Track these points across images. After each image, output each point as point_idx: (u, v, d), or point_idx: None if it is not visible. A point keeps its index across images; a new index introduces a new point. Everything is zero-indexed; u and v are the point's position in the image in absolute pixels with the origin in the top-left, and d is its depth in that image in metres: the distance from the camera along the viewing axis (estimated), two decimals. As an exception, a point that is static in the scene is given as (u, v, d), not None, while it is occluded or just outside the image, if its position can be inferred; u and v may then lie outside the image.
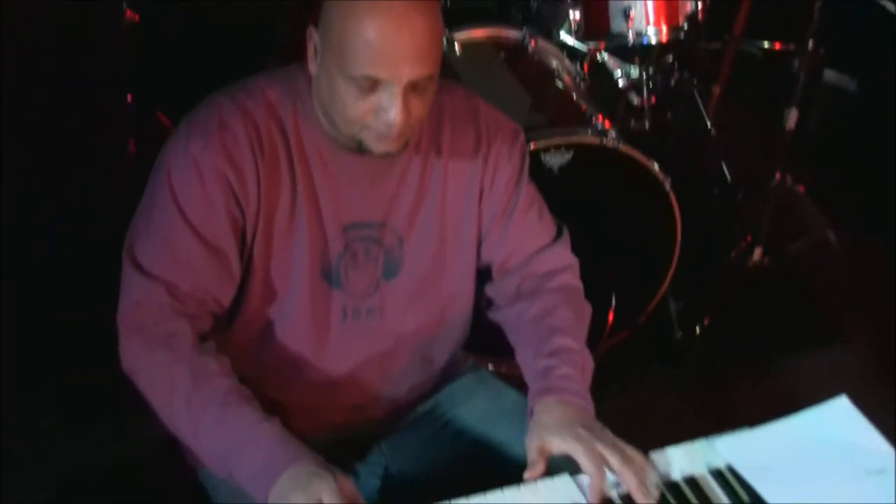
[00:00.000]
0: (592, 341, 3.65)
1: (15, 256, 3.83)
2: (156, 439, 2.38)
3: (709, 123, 4.45)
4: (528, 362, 2.43)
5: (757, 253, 4.26)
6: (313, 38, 2.22)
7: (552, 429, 2.20)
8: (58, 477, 3.16)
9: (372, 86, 2.12)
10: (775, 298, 4.34)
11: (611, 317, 3.81)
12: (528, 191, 2.52)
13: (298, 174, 2.29)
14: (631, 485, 2.11)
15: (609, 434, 2.21)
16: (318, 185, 2.31)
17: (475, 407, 2.58)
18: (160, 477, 2.47)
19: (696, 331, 4.17)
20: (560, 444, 2.17)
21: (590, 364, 2.43)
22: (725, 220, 4.30)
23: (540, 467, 2.15)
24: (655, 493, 2.12)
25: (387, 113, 2.13)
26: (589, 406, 2.32)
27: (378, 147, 2.21)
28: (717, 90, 4.82)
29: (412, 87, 2.14)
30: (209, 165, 2.21)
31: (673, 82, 4.46)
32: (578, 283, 2.57)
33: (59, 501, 3.04)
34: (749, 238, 4.27)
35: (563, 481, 2.15)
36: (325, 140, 2.29)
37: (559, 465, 2.17)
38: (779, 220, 4.26)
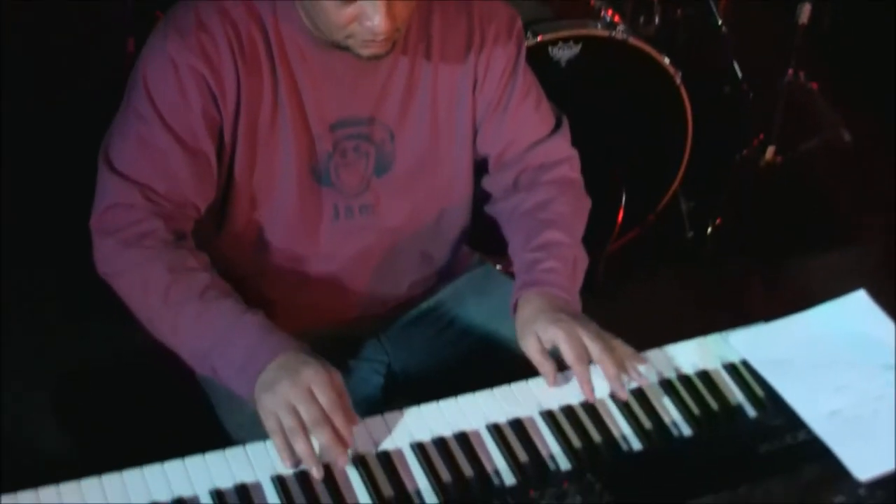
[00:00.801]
0: (602, 239, 3.69)
1: (16, 153, 3.81)
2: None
3: (719, 20, 4.34)
4: (517, 255, 2.37)
5: (769, 151, 4.19)
6: None
7: (534, 319, 2.16)
8: (56, 373, 3.15)
9: None
10: (788, 197, 4.30)
11: (621, 215, 3.76)
12: (526, 80, 2.43)
13: (280, 74, 2.21)
14: (609, 374, 2.06)
15: (594, 324, 2.15)
16: (301, 85, 2.23)
17: (481, 303, 2.54)
18: (159, 377, 2.42)
19: (707, 230, 4.11)
20: (543, 334, 2.12)
21: (583, 260, 2.38)
22: (737, 118, 4.22)
23: (550, 369, 2.11)
24: (645, 383, 2.09)
25: (371, 20, 2.04)
26: (574, 300, 2.27)
27: (365, 52, 2.13)
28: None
29: None
30: (186, 66, 2.14)
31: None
32: (577, 176, 2.50)
33: (57, 398, 3.02)
34: (761, 136, 4.20)
35: (537, 383, 2.11)
36: (308, 39, 2.20)
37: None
38: (791, 118, 4.19)
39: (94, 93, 3.93)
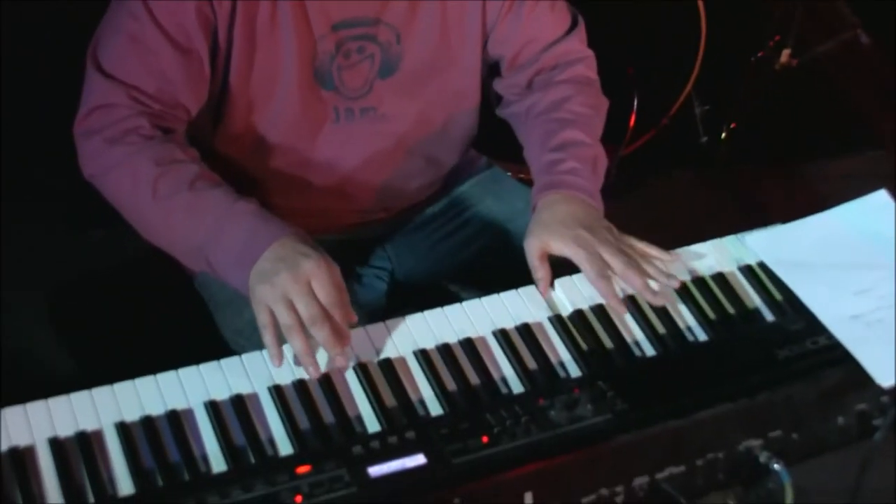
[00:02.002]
0: (615, 142, 3.61)
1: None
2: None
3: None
4: (534, 156, 2.31)
5: (785, 54, 4.09)
6: None
7: (553, 228, 2.09)
8: (51, 282, 3.10)
9: None
10: (805, 101, 4.22)
11: (633, 118, 3.68)
12: None
13: None
14: (637, 285, 2.00)
15: (614, 233, 2.10)
16: None
17: (489, 207, 2.49)
18: (155, 285, 2.36)
19: (721, 134, 4.03)
20: (560, 248, 2.06)
21: (603, 160, 2.31)
22: (751, 19, 4.12)
23: (545, 275, 2.05)
24: (675, 284, 2.02)
25: None
26: (597, 203, 2.20)
27: None
28: None
29: None
30: None
31: None
32: (594, 75, 2.44)
33: (52, 307, 2.98)
34: (777, 38, 4.09)
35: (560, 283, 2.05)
36: None
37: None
38: (808, 20, 4.09)
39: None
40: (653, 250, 2.08)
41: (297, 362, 1.83)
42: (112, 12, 2.14)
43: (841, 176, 3.86)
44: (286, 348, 1.85)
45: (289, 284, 1.85)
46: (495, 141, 2.51)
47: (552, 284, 2.04)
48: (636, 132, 3.77)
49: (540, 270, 2.04)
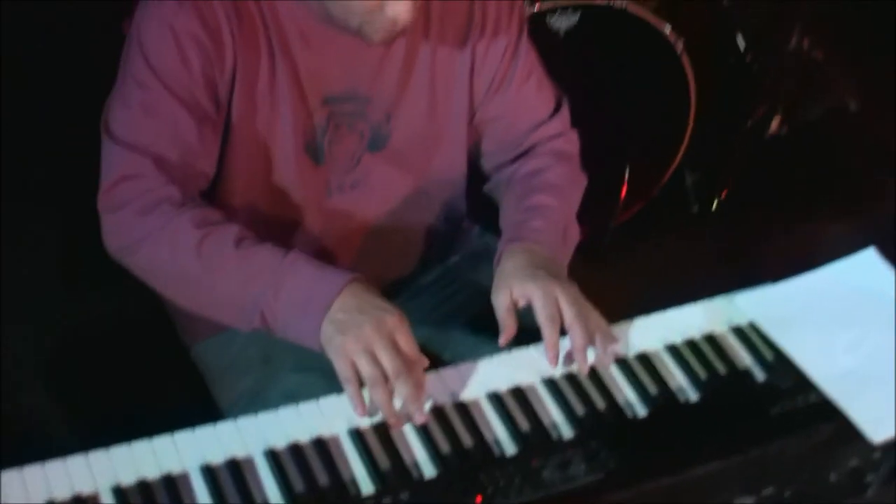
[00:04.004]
0: (606, 213, 3.64)
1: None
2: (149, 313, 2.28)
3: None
4: (505, 219, 2.34)
5: (775, 121, 4.14)
6: None
7: (512, 274, 2.10)
8: (48, 344, 3.12)
9: None
10: (796, 167, 4.23)
11: (624, 189, 3.71)
12: (527, 60, 2.39)
13: (276, 43, 2.16)
14: (576, 344, 1.99)
15: (575, 288, 2.08)
16: (296, 56, 2.18)
17: (481, 276, 2.46)
18: (152, 354, 2.38)
19: (713, 203, 4.06)
20: (519, 290, 2.06)
21: (574, 231, 2.33)
22: (741, 88, 4.16)
23: (510, 328, 2.04)
24: (608, 363, 2.02)
25: (394, 9, 2.00)
26: (559, 259, 2.22)
27: (378, 36, 2.09)
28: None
29: None
30: (184, 30, 2.08)
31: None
32: (573, 150, 2.46)
33: (49, 369, 3.00)
34: (766, 106, 4.12)
35: (539, 350, 2.04)
36: (305, 13, 2.15)
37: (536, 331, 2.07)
38: (797, 87, 4.12)
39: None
40: (604, 324, 2.06)
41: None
42: (121, 83, 2.15)
43: (833, 239, 3.87)
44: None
45: (373, 337, 1.86)
46: (488, 212, 2.52)
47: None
48: (627, 202, 3.78)
49: (506, 322, 2.04)
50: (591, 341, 2.00)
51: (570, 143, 2.46)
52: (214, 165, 2.18)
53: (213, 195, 2.25)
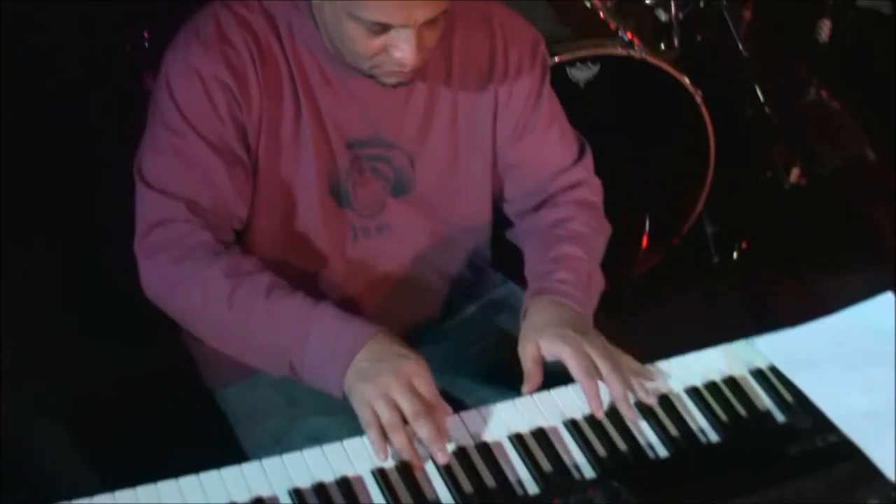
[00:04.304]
0: (627, 263, 3.65)
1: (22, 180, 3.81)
2: (176, 359, 2.30)
3: (740, 45, 4.32)
4: (530, 268, 2.35)
5: (794, 172, 4.15)
6: None
7: (540, 329, 2.12)
8: (65, 395, 3.14)
9: (383, 28, 2.01)
10: (815, 218, 4.24)
11: (645, 239, 3.72)
12: (549, 107, 2.41)
13: (300, 87, 2.19)
14: (616, 394, 2.02)
15: (602, 340, 2.12)
16: (319, 100, 2.21)
17: (505, 321, 2.50)
18: (176, 398, 2.40)
19: (733, 254, 4.07)
20: (548, 347, 2.08)
21: (598, 279, 2.34)
22: (760, 139, 4.18)
23: (536, 378, 2.07)
24: (653, 401, 2.04)
25: (401, 52, 2.03)
26: (585, 311, 2.23)
27: (390, 80, 2.12)
28: (747, 14, 4.69)
29: (426, 24, 2.03)
30: (211, 75, 2.12)
31: (702, 2, 4.34)
32: (597, 200, 2.48)
33: (73, 415, 3.01)
34: (785, 157, 4.14)
35: (560, 393, 2.07)
36: (327, 58, 2.19)
37: (563, 370, 2.09)
38: (815, 137, 4.15)
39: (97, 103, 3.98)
40: (636, 365, 2.10)
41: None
42: (151, 130, 2.19)
43: (852, 290, 3.87)
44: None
45: (391, 383, 1.90)
46: (510, 259, 2.54)
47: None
48: (648, 252, 3.80)
49: (533, 373, 2.07)
50: (629, 387, 2.03)
51: (594, 191, 2.47)
52: (247, 207, 2.21)
53: (238, 237, 2.27)
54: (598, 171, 2.51)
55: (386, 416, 1.89)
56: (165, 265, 2.11)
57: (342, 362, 1.96)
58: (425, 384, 1.93)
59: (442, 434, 1.89)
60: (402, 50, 2.02)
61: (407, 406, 1.89)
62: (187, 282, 2.09)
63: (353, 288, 2.37)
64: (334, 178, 2.25)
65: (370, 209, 2.31)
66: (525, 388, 2.06)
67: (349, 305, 2.33)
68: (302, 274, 2.31)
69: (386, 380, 1.91)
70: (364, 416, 1.91)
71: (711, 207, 3.93)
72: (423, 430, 1.87)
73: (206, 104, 2.13)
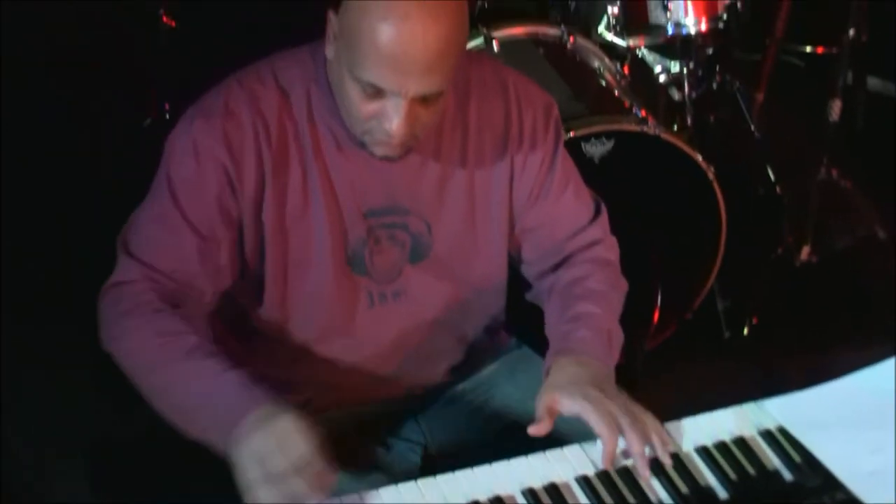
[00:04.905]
0: (639, 336, 3.67)
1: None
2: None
3: (752, 126, 4.39)
4: (551, 329, 2.38)
5: (805, 251, 4.19)
6: (332, 22, 2.13)
7: (562, 387, 2.15)
8: (84, 444, 3.17)
9: (377, 92, 2.05)
10: (826, 296, 4.26)
11: (657, 314, 3.75)
12: (564, 169, 2.44)
13: (310, 161, 2.23)
14: (635, 449, 2.04)
15: (623, 396, 2.15)
16: (332, 172, 2.24)
17: (518, 385, 2.53)
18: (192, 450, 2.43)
19: (744, 329, 4.09)
20: (569, 405, 2.11)
21: (618, 335, 2.37)
22: (771, 216, 4.23)
23: (546, 425, 2.10)
24: (668, 461, 2.06)
25: (389, 122, 2.06)
26: (607, 368, 2.26)
27: (378, 151, 2.16)
28: (759, 96, 4.78)
29: (420, 99, 2.06)
30: (207, 150, 2.17)
31: (714, 84, 4.42)
32: (613, 257, 2.51)
33: (94, 468, 3.04)
34: (796, 235, 4.19)
35: (572, 450, 2.10)
36: (341, 126, 2.21)
37: (574, 431, 2.12)
38: (826, 216, 4.19)
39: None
40: (656, 423, 2.12)
41: None
42: (148, 195, 2.25)
43: (860, 361, 3.90)
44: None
45: (260, 443, 1.92)
46: (524, 322, 2.58)
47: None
48: (660, 326, 3.81)
49: (544, 421, 2.09)
50: (648, 442, 2.06)
51: (610, 249, 2.51)
52: (220, 283, 2.26)
53: (253, 304, 2.32)
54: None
55: (251, 474, 1.90)
56: (113, 318, 2.19)
57: (229, 428, 1.97)
58: (293, 444, 1.91)
59: (317, 490, 1.90)
60: (391, 119, 2.05)
61: (274, 465, 1.90)
62: (126, 336, 2.16)
63: (367, 350, 2.41)
64: (350, 246, 2.29)
65: (387, 276, 2.35)
66: (531, 429, 2.09)
67: (363, 367, 2.40)
68: (315, 339, 2.36)
69: (255, 440, 1.93)
70: (240, 478, 1.93)
71: (723, 283, 3.95)
72: (291, 487, 1.89)
73: (195, 179, 2.18)
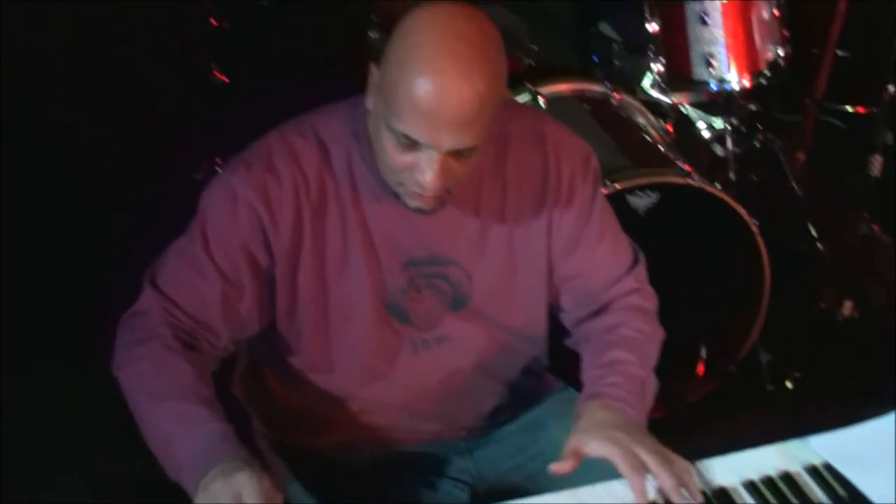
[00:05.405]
0: (683, 388, 3.70)
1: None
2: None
3: (794, 184, 4.43)
4: (585, 375, 2.41)
5: (847, 306, 4.21)
6: (373, 74, 2.18)
7: (590, 430, 2.18)
8: (84, 445, 3.20)
9: (412, 144, 2.08)
10: (868, 350, 4.27)
11: (701, 366, 3.78)
12: (602, 218, 2.46)
13: (350, 214, 2.27)
14: (666, 484, 2.07)
15: (653, 440, 2.17)
16: (371, 224, 2.28)
17: (565, 427, 2.48)
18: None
19: (786, 383, 4.11)
20: (597, 447, 2.13)
21: (651, 384, 2.40)
22: (813, 271, 4.25)
23: (570, 463, 2.13)
24: (699, 498, 2.09)
25: (422, 174, 2.10)
26: (637, 414, 2.28)
27: (411, 202, 2.19)
28: (801, 156, 4.81)
29: (454, 153, 2.09)
30: (245, 199, 2.22)
31: (757, 143, 4.46)
32: (648, 306, 2.53)
33: (85, 470, 3.07)
34: (838, 290, 4.22)
35: (605, 487, 2.14)
36: (380, 180, 2.25)
37: (603, 471, 2.15)
38: (867, 271, 4.22)
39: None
40: (686, 464, 2.14)
41: None
42: (183, 234, 2.30)
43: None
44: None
45: (220, 492, 1.96)
46: (570, 366, 2.61)
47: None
48: (704, 379, 3.84)
49: (567, 461, 2.12)
50: (680, 481, 2.08)
51: (646, 298, 2.53)
52: (238, 329, 2.30)
53: (293, 353, 2.38)
54: (658, 298, 2.58)
55: None
56: (124, 345, 2.24)
57: (196, 477, 2.01)
58: (251, 495, 1.94)
59: None
60: (424, 172, 2.09)
61: None
62: (131, 364, 2.21)
63: (409, 393, 2.45)
64: (392, 296, 2.33)
65: (428, 323, 2.38)
66: (553, 466, 2.12)
67: (405, 409, 2.44)
68: (356, 384, 2.41)
69: (215, 489, 1.97)
70: None
71: (766, 336, 3.97)
72: None
73: (228, 225, 2.23)
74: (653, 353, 2.47)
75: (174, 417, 2.11)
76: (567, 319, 2.55)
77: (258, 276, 2.25)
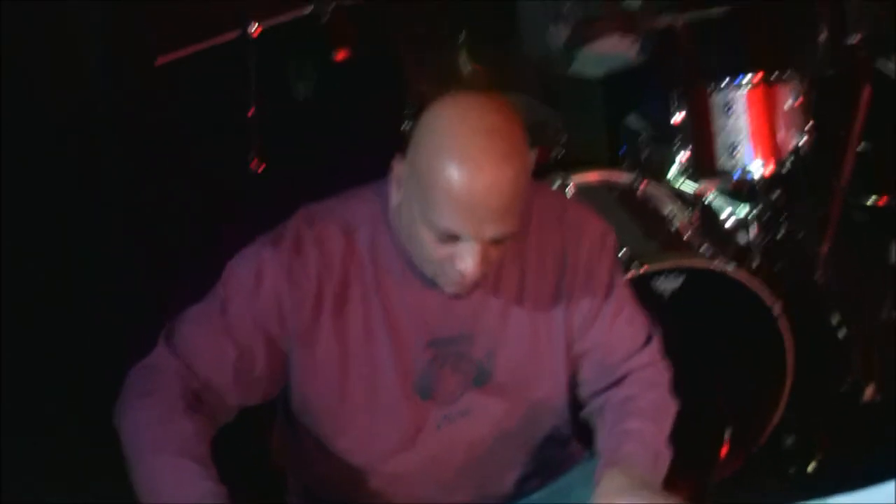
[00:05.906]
0: (706, 470, 3.73)
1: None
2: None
3: (818, 272, 4.47)
4: (601, 445, 2.46)
5: (869, 390, 4.24)
6: (397, 169, 2.24)
7: (613, 492, 2.23)
8: (84, 445, 3.30)
9: (452, 238, 2.13)
10: (891, 435, 4.30)
11: (725, 448, 3.83)
12: (619, 295, 2.53)
13: (372, 297, 2.33)
14: None
15: (674, 498, 2.22)
16: (395, 307, 2.35)
17: (590, 495, 2.60)
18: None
19: (809, 467, 4.14)
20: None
21: (665, 453, 2.45)
22: (836, 355, 4.30)
23: None
24: None
25: (464, 263, 2.14)
26: (653, 479, 2.34)
27: (450, 289, 2.25)
28: (825, 248, 4.85)
29: (493, 241, 2.15)
30: (269, 278, 2.28)
31: (779, 236, 4.51)
32: (662, 379, 2.58)
33: (85, 470, 3.11)
34: (860, 373, 4.26)
35: None
36: (404, 262, 2.32)
37: None
38: (890, 355, 4.26)
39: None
40: None
41: None
42: (205, 297, 2.36)
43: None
44: None
45: None
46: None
47: None
48: (727, 461, 3.85)
49: None
50: None
51: (661, 372, 2.58)
52: (245, 398, 2.35)
53: (315, 428, 2.44)
54: (682, 379, 2.64)
55: None
56: (130, 393, 2.28)
57: None
58: None
59: None
60: (465, 262, 2.15)
61: None
62: (132, 412, 2.25)
63: (432, 466, 2.51)
64: (414, 373, 2.39)
65: (451, 398, 2.45)
66: None
67: (428, 481, 2.50)
68: (379, 458, 2.47)
69: None
70: None
71: (789, 419, 4.01)
72: None
73: (249, 300, 2.29)
74: (667, 425, 2.52)
75: (170, 470, 2.13)
76: (583, 391, 2.60)
77: (273, 351, 2.32)
